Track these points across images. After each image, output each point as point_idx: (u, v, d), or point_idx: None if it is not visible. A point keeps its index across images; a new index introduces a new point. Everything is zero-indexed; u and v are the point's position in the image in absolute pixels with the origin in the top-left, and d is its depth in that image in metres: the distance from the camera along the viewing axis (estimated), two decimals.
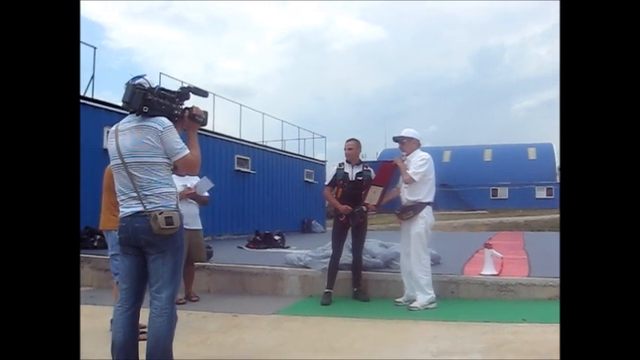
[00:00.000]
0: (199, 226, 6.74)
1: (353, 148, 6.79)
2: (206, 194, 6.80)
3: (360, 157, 6.89)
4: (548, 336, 4.76)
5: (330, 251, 6.89)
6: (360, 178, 6.63)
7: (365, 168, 6.73)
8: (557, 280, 6.30)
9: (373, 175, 6.64)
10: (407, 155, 6.32)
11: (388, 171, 6.44)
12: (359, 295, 6.68)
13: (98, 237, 9.04)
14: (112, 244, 4.94)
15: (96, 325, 5.23)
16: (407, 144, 6.35)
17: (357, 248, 6.74)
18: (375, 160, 47.28)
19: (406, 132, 6.40)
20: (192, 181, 6.42)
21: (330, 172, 7.02)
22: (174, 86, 3.79)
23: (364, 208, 6.50)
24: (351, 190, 6.59)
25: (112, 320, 5.15)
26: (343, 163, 6.73)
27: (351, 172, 6.66)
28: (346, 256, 6.86)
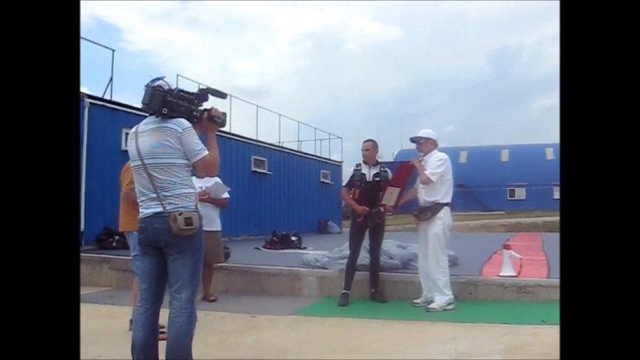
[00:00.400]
0: (217, 228, 6.76)
1: (370, 148, 6.78)
2: (226, 195, 6.81)
3: (377, 158, 6.88)
4: None
5: (347, 252, 6.89)
6: (378, 179, 6.62)
7: (382, 169, 6.72)
8: None
9: (390, 175, 6.63)
10: (424, 156, 6.30)
11: (405, 172, 6.43)
12: (376, 296, 6.66)
13: (117, 237, 9.12)
14: (134, 245, 4.98)
15: (115, 325, 5.29)
16: (424, 144, 6.33)
17: (375, 249, 6.73)
18: (392, 160, 47.22)
19: (424, 132, 6.39)
20: (209, 183, 6.43)
21: (346, 173, 7.02)
22: (192, 88, 3.82)
23: (382, 209, 6.49)
24: (368, 190, 6.58)
25: (131, 320, 5.21)
26: (360, 164, 6.73)
27: (369, 172, 6.66)
28: (364, 257, 6.85)
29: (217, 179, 6.47)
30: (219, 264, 7.36)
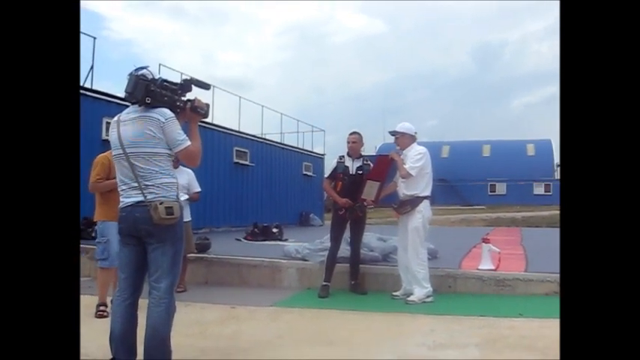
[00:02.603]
0: (188, 218, 6.72)
1: (357, 141, 6.79)
2: (197, 189, 6.82)
3: (361, 151, 6.89)
4: (544, 331, 4.78)
5: (327, 244, 6.91)
6: (361, 172, 6.63)
7: (365, 162, 6.73)
8: (555, 276, 6.34)
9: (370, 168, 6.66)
10: (403, 150, 6.33)
11: (385, 165, 6.44)
12: (356, 289, 6.70)
13: (96, 228, 9.02)
14: (100, 234, 5.34)
15: (93, 314, 5.28)
16: (401, 139, 6.36)
17: (356, 242, 6.75)
18: (374, 154, 47.28)
19: (401, 126, 6.41)
20: (181, 177, 6.42)
21: (329, 165, 7.01)
22: (174, 78, 3.80)
23: (364, 202, 6.52)
24: (351, 184, 6.59)
25: (97, 305, 5.22)
26: (344, 156, 6.73)
27: (352, 165, 6.67)
28: (344, 250, 6.87)
29: (190, 172, 6.49)
30: (199, 255, 7.40)
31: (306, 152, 21.41)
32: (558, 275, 6.32)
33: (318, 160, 21.80)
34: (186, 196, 6.69)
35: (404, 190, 6.23)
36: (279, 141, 19.91)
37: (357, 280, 6.77)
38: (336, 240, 6.69)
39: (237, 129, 16.67)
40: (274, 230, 11.95)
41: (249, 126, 18.77)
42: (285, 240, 11.16)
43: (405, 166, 6.10)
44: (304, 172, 20.59)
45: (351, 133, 6.83)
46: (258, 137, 18.14)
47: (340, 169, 6.64)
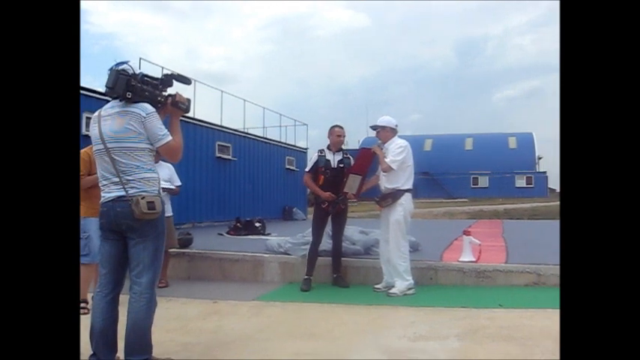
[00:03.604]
0: (170, 213, 6.70)
1: (342, 135, 6.82)
2: (177, 183, 6.80)
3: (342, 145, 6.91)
4: (523, 321, 4.86)
5: (310, 238, 6.91)
6: (342, 166, 6.64)
7: (345, 155, 6.75)
8: (534, 267, 6.44)
9: (352, 162, 6.67)
10: (384, 143, 6.35)
11: (366, 159, 6.46)
12: (339, 282, 6.72)
13: None
14: (83, 229, 5.14)
15: None
16: (383, 132, 6.38)
17: (338, 235, 6.77)
18: (357, 148, 47.37)
19: (382, 120, 6.43)
20: (161, 170, 6.41)
21: (309, 159, 6.98)
22: (155, 72, 3.79)
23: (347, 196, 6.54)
24: (333, 177, 6.60)
25: None
26: (324, 150, 6.73)
27: (333, 159, 6.67)
28: (326, 243, 6.89)
29: (170, 167, 6.47)
30: (181, 250, 7.42)
31: (289, 146, 21.36)
32: (538, 266, 6.43)
33: (301, 154, 21.76)
34: (172, 186, 6.71)
35: (385, 183, 6.26)
36: (261, 135, 19.84)
37: (339, 273, 6.79)
38: (318, 234, 6.70)
39: (219, 123, 16.58)
40: (257, 225, 11.93)
41: (232, 120, 18.73)
42: (268, 234, 11.15)
43: (386, 160, 6.12)
44: (287, 167, 20.55)
45: (335, 127, 6.82)
46: (240, 131, 18.05)
47: (322, 163, 6.64)
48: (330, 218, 6.72)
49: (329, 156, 6.68)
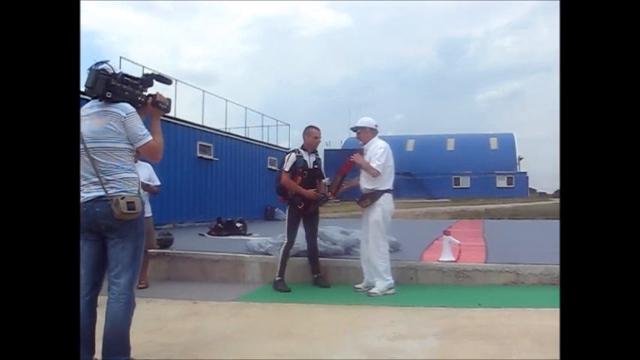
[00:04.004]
0: (149, 214, 6.66)
1: (320, 136, 6.84)
2: (157, 182, 6.76)
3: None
4: (502, 320, 4.90)
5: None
6: (316, 167, 6.71)
7: (318, 156, 6.84)
8: (513, 267, 6.49)
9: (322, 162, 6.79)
10: (364, 144, 6.38)
11: (350, 163, 6.48)
12: (319, 282, 6.72)
13: None
14: None
15: None
16: (363, 133, 6.41)
17: (313, 235, 6.79)
18: (339, 148, 47.49)
19: (361, 121, 6.45)
20: (141, 170, 6.37)
21: (286, 159, 6.81)
22: (136, 71, 3.77)
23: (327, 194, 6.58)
24: (309, 178, 6.63)
25: None
26: (299, 151, 6.72)
27: (309, 159, 6.70)
28: (304, 244, 6.90)
29: (149, 166, 6.45)
30: (161, 250, 7.40)
31: (271, 146, 21.33)
32: (517, 266, 6.49)
33: (283, 154, 21.67)
34: (155, 183, 6.70)
35: (364, 184, 6.29)
36: (243, 135, 19.79)
37: (319, 273, 6.80)
38: (293, 234, 6.68)
39: (201, 123, 16.51)
40: (238, 225, 11.90)
41: (214, 120, 18.70)
42: (249, 235, 11.14)
43: (372, 166, 6.14)
44: (269, 167, 20.48)
45: (312, 128, 6.81)
46: (222, 131, 17.99)
47: (300, 164, 6.63)
48: (302, 220, 6.73)
49: (305, 157, 6.68)
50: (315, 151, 6.82)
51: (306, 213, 6.60)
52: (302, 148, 6.77)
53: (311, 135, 6.77)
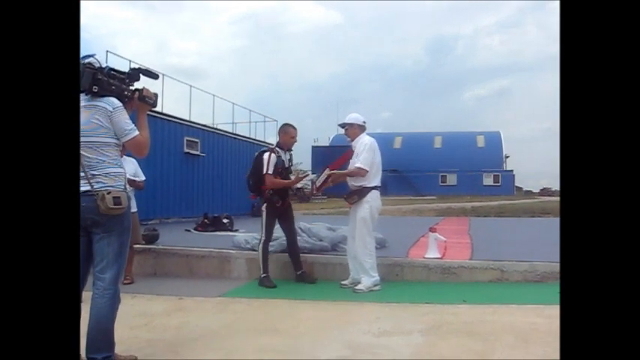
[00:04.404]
0: (134, 209, 6.63)
1: (296, 137, 6.89)
2: (142, 178, 6.74)
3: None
4: (487, 316, 4.93)
5: (277, 234, 6.91)
6: (291, 164, 6.83)
7: (291, 154, 6.91)
8: (498, 263, 6.53)
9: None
10: (352, 140, 6.40)
11: (343, 159, 6.52)
12: (304, 278, 6.73)
13: None
14: None
15: None
16: (351, 129, 6.42)
17: (291, 233, 6.82)
18: (327, 145, 47.55)
19: (349, 117, 6.47)
20: (127, 165, 6.34)
21: (267, 160, 6.71)
22: (123, 65, 3.76)
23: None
24: (287, 176, 6.72)
25: None
26: (277, 150, 6.71)
27: (285, 158, 6.75)
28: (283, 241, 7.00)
29: (133, 161, 6.42)
30: (147, 246, 7.40)
31: (258, 142, 21.26)
32: (502, 263, 6.54)
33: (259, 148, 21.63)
34: (140, 178, 6.71)
35: (352, 180, 6.30)
36: (230, 131, 19.72)
37: (302, 269, 6.81)
38: (270, 231, 6.72)
39: (188, 118, 16.43)
40: (225, 221, 11.86)
41: (201, 115, 18.58)
42: (236, 230, 11.10)
43: (359, 166, 6.15)
44: None
45: (290, 127, 6.84)
46: (209, 127, 17.91)
47: (280, 164, 6.65)
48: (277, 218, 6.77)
49: (283, 156, 6.72)
50: (290, 149, 6.86)
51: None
52: (277, 146, 6.78)
53: (288, 134, 6.79)
